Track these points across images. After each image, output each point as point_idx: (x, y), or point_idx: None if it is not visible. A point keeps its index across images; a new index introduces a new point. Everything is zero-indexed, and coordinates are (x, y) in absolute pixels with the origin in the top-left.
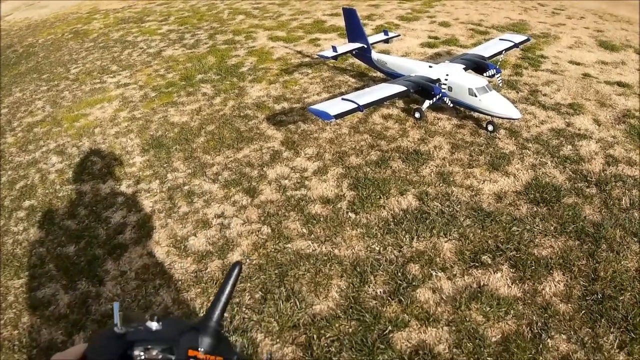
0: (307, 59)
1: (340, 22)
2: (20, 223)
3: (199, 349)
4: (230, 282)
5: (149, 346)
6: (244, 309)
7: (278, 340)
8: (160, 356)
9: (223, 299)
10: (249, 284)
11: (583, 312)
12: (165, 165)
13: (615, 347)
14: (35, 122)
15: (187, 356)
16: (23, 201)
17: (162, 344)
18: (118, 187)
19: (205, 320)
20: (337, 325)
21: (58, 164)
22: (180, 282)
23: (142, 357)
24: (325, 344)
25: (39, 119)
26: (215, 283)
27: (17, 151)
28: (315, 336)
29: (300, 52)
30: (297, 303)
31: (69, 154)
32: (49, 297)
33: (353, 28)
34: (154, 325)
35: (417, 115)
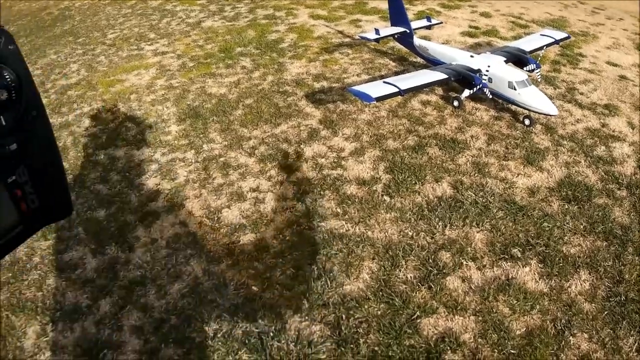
0: (347, 40)
1: (382, 4)
2: None
3: None
4: None
5: None
6: (276, 284)
7: (307, 317)
8: None
9: None
10: (280, 260)
11: (606, 312)
12: (201, 135)
13: (634, 350)
14: (70, 85)
15: None
16: None
17: None
18: (152, 154)
19: None
20: (366, 306)
21: (91, 128)
22: (211, 254)
23: None
24: (354, 325)
25: (73, 82)
26: (247, 256)
27: (50, 113)
28: (344, 316)
29: (341, 32)
30: (328, 282)
31: (103, 119)
32: (76, 260)
33: (396, 12)
34: None
35: (455, 103)
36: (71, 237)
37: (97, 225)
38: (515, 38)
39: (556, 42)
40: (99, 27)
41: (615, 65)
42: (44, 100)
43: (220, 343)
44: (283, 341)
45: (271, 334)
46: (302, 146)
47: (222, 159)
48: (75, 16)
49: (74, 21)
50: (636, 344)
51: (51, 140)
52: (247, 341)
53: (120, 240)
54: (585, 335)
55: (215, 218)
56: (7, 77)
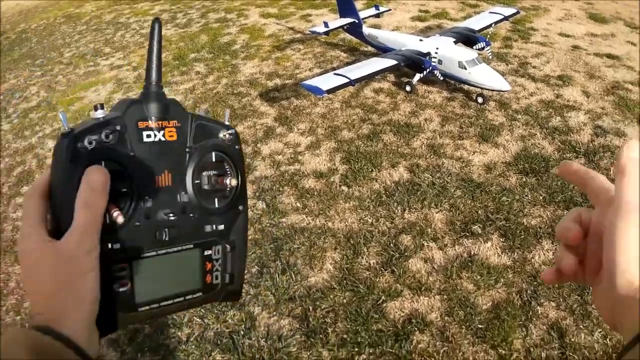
0: (299, 35)
1: None
2: (19, 209)
3: (148, 118)
4: (155, 40)
5: (97, 132)
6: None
7: (275, 312)
8: (111, 137)
9: (155, 59)
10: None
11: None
12: None
13: None
14: (31, 107)
15: (138, 129)
16: (21, 187)
17: (108, 126)
18: None
19: (146, 88)
20: (331, 296)
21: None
22: None
23: (93, 145)
24: (321, 315)
25: (34, 105)
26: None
27: (13, 138)
28: (310, 308)
29: (292, 29)
30: (293, 276)
31: None
32: None
33: (344, 3)
34: (99, 113)
35: (407, 88)
36: None
37: None
38: (465, 18)
39: (505, 18)
40: (56, 46)
41: (567, 36)
42: (7, 126)
43: (193, 346)
44: (254, 338)
45: (242, 332)
46: (258, 145)
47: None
48: (32, 38)
49: (31, 43)
50: None
51: (245, 234)
52: (219, 342)
53: None
54: (553, 304)
55: None
56: (229, 172)
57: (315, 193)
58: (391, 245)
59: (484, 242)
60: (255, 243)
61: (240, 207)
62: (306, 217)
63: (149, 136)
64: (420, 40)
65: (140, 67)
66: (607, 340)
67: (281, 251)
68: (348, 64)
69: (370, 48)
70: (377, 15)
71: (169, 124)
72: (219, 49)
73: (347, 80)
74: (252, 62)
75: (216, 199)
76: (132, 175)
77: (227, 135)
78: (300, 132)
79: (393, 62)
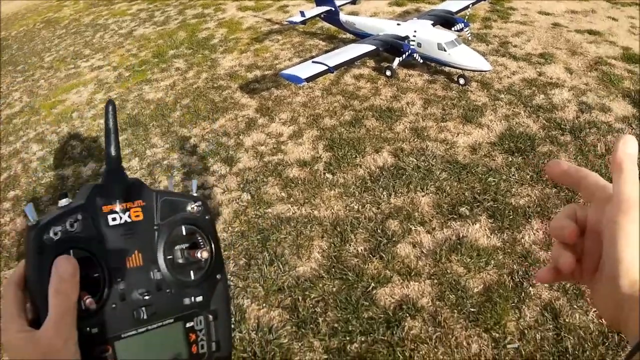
0: (276, 26)
1: None
2: (7, 214)
3: (112, 202)
4: (111, 121)
5: (61, 222)
6: (230, 276)
7: (264, 304)
8: (76, 227)
9: (113, 141)
10: (232, 252)
11: None
12: (143, 142)
13: None
14: (14, 113)
15: (103, 213)
16: (7, 192)
17: (72, 215)
18: (99, 168)
19: (107, 172)
20: (320, 285)
21: (39, 152)
22: None
23: (59, 236)
24: (311, 305)
25: (17, 110)
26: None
27: None
28: (300, 298)
29: (269, 20)
30: (281, 266)
31: (49, 141)
32: None
33: None
34: (63, 201)
35: (388, 73)
36: None
37: None
38: (442, 1)
39: None
40: (36, 51)
41: (547, 14)
42: None
43: None
44: (244, 331)
45: (232, 325)
46: (241, 137)
47: (165, 161)
48: (13, 45)
49: (12, 50)
50: None
51: (227, 301)
52: None
53: None
54: (545, 285)
55: None
56: (202, 243)
57: (300, 182)
58: (378, 231)
59: (473, 224)
60: (241, 235)
61: (218, 276)
62: (292, 206)
63: (114, 219)
64: (398, 24)
65: (120, 66)
66: (602, 319)
67: (268, 242)
68: (327, 51)
69: (348, 35)
70: (354, 2)
71: (133, 204)
72: (197, 44)
73: (326, 68)
74: (231, 55)
75: (192, 271)
76: (102, 260)
77: (195, 208)
78: (282, 122)
79: (372, 48)
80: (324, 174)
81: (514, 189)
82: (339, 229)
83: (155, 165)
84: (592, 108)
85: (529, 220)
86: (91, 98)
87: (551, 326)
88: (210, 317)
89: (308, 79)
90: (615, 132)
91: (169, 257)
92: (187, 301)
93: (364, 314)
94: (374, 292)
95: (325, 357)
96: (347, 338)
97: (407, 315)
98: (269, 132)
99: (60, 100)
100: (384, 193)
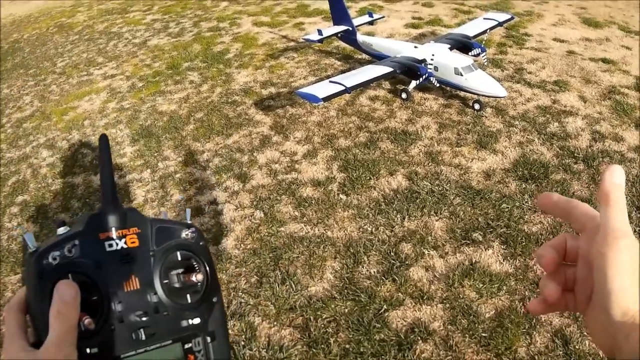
0: (292, 44)
1: (324, 5)
2: (14, 219)
3: (108, 229)
4: (105, 157)
5: (60, 248)
6: (241, 293)
7: (275, 323)
8: (74, 252)
9: (108, 174)
10: (244, 269)
11: None
12: (155, 154)
13: None
14: (24, 117)
15: (100, 240)
16: (16, 197)
17: (70, 241)
18: None
19: (103, 202)
20: (332, 306)
21: (49, 158)
22: None
23: (57, 261)
24: (322, 325)
25: (27, 114)
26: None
27: (7, 147)
28: (312, 317)
29: (285, 37)
30: (293, 285)
31: (60, 148)
32: None
33: (337, 10)
34: (61, 229)
35: (403, 95)
36: None
37: None
38: (459, 25)
39: (500, 24)
40: (48, 56)
41: (562, 41)
42: (1, 136)
43: None
44: (255, 348)
45: (242, 342)
46: (255, 154)
47: (177, 175)
48: (25, 48)
49: (24, 53)
50: None
51: (224, 323)
52: None
53: None
54: (557, 312)
55: None
56: (197, 267)
57: (314, 202)
58: (391, 253)
59: (485, 250)
60: (254, 252)
61: (214, 299)
62: (305, 225)
63: (110, 245)
64: (415, 47)
65: (134, 76)
66: (597, 347)
67: (280, 260)
68: (343, 71)
69: (364, 56)
70: (371, 23)
71: (129, 231)
72: (212, 58)
73: (343, 88)
74: (246, 70)
75: (188, 295)
76: (100, 283)
77: (190, 234)
78: (296, 141)
79: (389, 70)
80: (338, 194)
81: (526, 216)
82: (352, 250)
83: (167, 178)
84: (605, 137)
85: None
86: (103, 107)
87: (561, 352)
88: (208, 338)
89: (325, 99)
90: (628, 162)
91: (165, 281)
92: (184, 323)
93: (375, 336)
94: (386, 314)
95: None
96: (359, 359)
97: (419, 338)
98: (283, 150)
99: (72, 107)
100: (398, 216)
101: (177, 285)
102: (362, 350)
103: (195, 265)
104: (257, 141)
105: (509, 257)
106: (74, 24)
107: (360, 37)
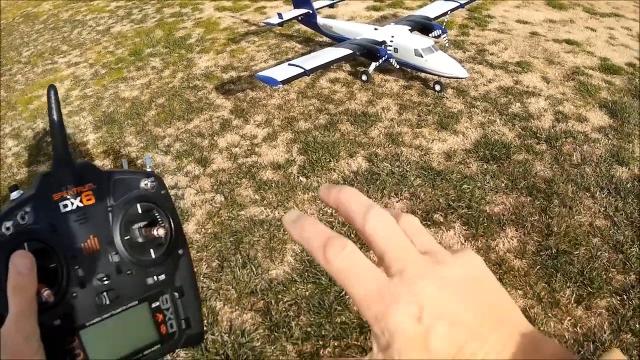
0: (253, 28)
1: None
2: None
3: (62, 188)
4: (54, 109)
5: (12, 216)
6: (202, 278)
7: (237, 307)
8: (27, 219)
9: (57, 128)
10: (205, 253)
11: (538, 267)
12: (118, 140)
13: (572, 302)
14: None
15: (53, 202)
16: None
17: (22, 207)
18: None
19: (54, 159)
20: (293, 289)
21: (14, 148)
22: None
23: (11, 230)
24: (284, 309)
25: None
26: None
27: None
28: (273, 301)
29: (246, 21)
30: (254, 269)
31: (25, 137)
32: None
33: None
34: (14, 194)
35: (364, 77)
36: None
37: None
38: (421, 7)
39: (461, 5)
40: (14, 46)
41: (525, 22)
42: None
43: None
44: (217, 333)
45: (204, 327)
46: (215, 138)
47: (139, 161)
48: None
49: None
50: (574, 295)
51: (192, 277)
52: None
53: None
54: (520, 292)
55: None
56: (160, 219)
57: (274, 185)
58: (352, 235)
59: (447, 231)
60: (214, 236)
61: (180, 251)
62: (265, 209)
63: (65, 206)
64: (375, 29)
65: (97, 63)
66: (578, 328)
67: (241, 244)
68: (303, 54)
69: (325, 38)
70: (332, 6)
71: (84, 188)
72: (174, 44)
73: (302, 71)
74: (207, 55)
75: (152, 250)
76: (57, 249)
77: (149, 183)
78: (256, 124)
79: (348, 52)
80: (298, 177)
81: (488, 197)
82: None
83: (129, 165)
84: (569, 118)
85: (504, 228)
86: (67, 94)
87: None
88: (176, 294)
89: (284, 82)
90: (592, 142)
91: (126, 237)
92: (150, 281)
93: (337, 319)
94: (347, 297)
95: None
96: (320, 342)
97: None
98: (243, 133)
99: (37, 96)
100: None
101: (139, 240)
102: (323, 333)
103: (158, 217)
104: (218, 125)
105: (470, 238)
106: (40, 13)
107: (321, 20)
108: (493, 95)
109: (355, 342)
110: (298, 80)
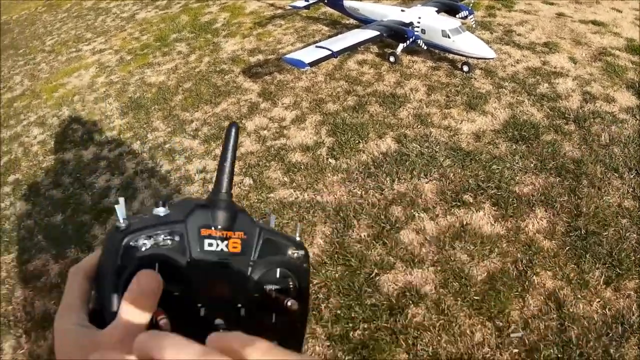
0: (279, 11)
1: None
2: (7, 198)
3: (213, 226)
4: (230, 146)
5: (154, 232)
6: None
7: None
8: (169, 242)
9: (227, 166)
10: None
11: (567, 248)
12: (145, 125)
13: (601, 283)
14: (15, 97)
15: (200, 236)
16: (8, 176)
17: (168, 228)
18: (100, 152)
19: (214, 194)
20: (323, 271)
21: (40, 136)
22: None
23: (148, 247)
24: (313, 291)
25: (18, 94)
26: None
27: None
28: None
29: (272, 5)
30: None
31: (50, 125)
32: (40, 268)
33: None
34: (160, 210)
35: (391, 59)
36: (32, 246)
37: (56, 231)
38: None
39: None
40: (37, 35)
41: (551, 3)
42: None
43: None
44: None
45: None
46: (243, 121)
47: (167, 145)
48: (14, 29)
49: (13, 34)
50: (603, 277)
51: (300, 348)
52: None
53: (79, 242)
54: (549, 273)
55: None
56: (293, 291)
57: (302, 167)
58: (382, 217)
59: (476, 212)
60: None
61: (299, 325)
62: (294, 191)
63: (210, 245)
64: (402, 10)
65: (122, 50)
66: (607, 310)
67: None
68: (330, 37)
69: (352, 21)
70: None
71: (234, 234)
72: (200, 28)
73: (330, 52)
74: (233, 39)
75: (274, 314)
76: (186, 281)
77: (296, 254)
78: (284, 107)
79: (375, 33)
80: (327, 159)
81: (517, 177)
82: (341, 215)
83: (156, 149)
84: (597, 98)
85: (533, 208)
86: (92, 81)
87: (555, 316)
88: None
89: (311, 64)
90: (620, 123)
91: (255, 295)
92: None
93: (367, 301)
94: (377, 278)
95: (328, 344)
96: (350, 325)
97: (411, 302)
98: (271, 116)
99: (62, 84)
100: (387, 179)
101: (267, 302)
102: (353, 315)
103: (291, 288)
104: (246, 108)
105: (500, 219)
106: (63, 2)
107: (347, 2)
108: (521, 76)
109: (385, 324)
110: (325, 63)
